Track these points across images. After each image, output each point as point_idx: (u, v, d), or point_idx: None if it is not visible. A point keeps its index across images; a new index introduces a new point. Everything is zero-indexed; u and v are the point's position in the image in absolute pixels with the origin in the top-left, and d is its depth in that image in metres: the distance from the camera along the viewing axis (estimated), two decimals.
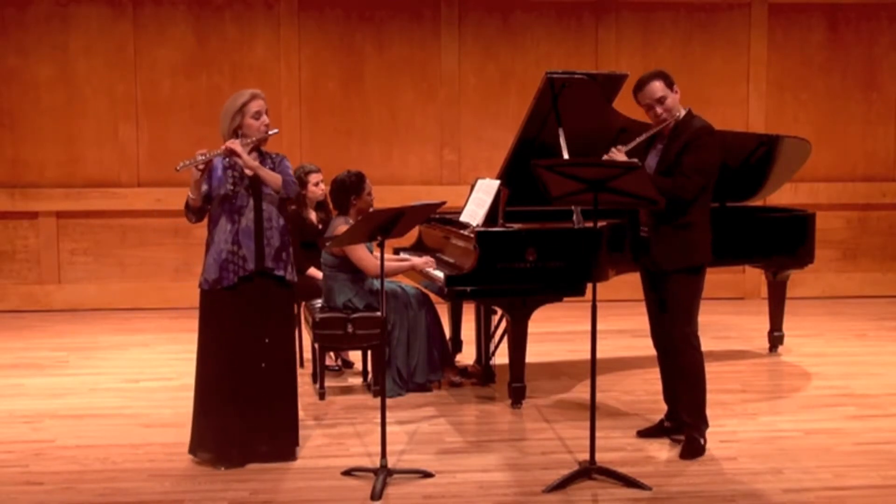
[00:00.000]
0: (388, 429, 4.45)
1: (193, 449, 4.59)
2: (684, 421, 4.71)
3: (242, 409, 4.51)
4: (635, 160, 4.38)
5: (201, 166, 4.43)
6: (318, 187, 6.27)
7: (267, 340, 4.54)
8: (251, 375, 4.52)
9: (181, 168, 4.43)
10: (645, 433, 4.93)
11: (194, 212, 4.58)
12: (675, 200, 4.48)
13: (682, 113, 4.62)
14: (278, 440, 4.60)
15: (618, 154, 4.59)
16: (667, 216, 4.54)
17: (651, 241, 4.66)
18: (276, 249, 4.53)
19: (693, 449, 4.63)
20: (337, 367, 6.26)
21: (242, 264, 4.49)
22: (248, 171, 4.48)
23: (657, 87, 4.58)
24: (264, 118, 4.55)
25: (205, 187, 4.52)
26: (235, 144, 4.44)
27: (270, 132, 4.57)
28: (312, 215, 6.27)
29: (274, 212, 4.55)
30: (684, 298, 4.61)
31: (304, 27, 8.58)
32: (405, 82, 8.71)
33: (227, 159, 4.52)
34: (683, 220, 4.55)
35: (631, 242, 4.94)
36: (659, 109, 4.58)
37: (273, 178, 4.48)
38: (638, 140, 4.67)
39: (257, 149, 4.58)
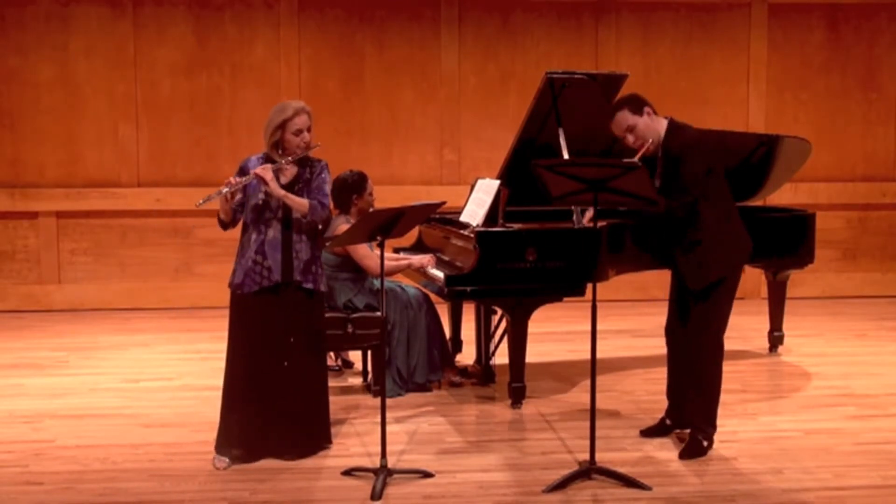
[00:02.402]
0: (388, 429, 4.45)
1: (220, 447, 4.59)
2: (692, 422, 4.71)
3: (267, 408, 4.54)
4: (635, 160, 4.37)
5: (228, 196, 4.44)
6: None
7: (292, 340, 4.56)
8: (275, 374, 4.54)
9: (202, 204, 4.44)
10: (648, 432, 4.93)
11: (225, 225, 4.61)
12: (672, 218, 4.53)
13: (663, 129, 4.58)
14: (305, 439, 4.62)
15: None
16: (677, 238, 4.58)
17: (677, 258, 4.66)
18: (304, 262, 4.55)
19: (694, 450, 4.63)
20: (337, 367, 6.26)
21: (267, 275, 4.51)
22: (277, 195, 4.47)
23: (624, 117, 4.58)
24: (305, 135, 4.53)
25: (239, 196, 4.54)
26: (266, 172, 4.43)
27: (311, 147, 4.56)
28: None
29: (304, 224, 4.56)
30: (716, 307, 4.62)
31: (304, 27, 8.58)
32: (405, 82, 8.71)
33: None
34: (693, 237, 4.55)
35: (655, 243, 4.90)
36: (631, 138, 4.59)
37: (300, 204, 4.48)
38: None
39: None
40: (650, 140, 4.57)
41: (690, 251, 4.57)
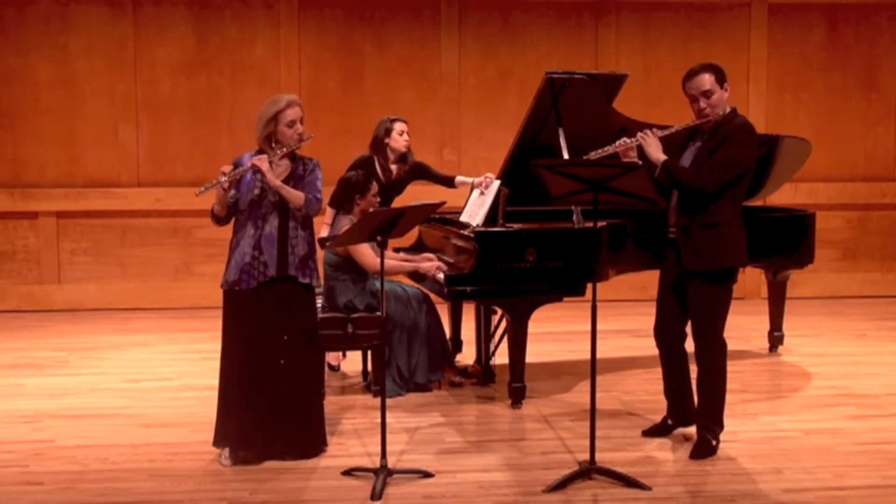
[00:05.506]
0: (388, 429, 4.45)
1: (217, 443, 4.61)
2: (699, 422, 4.70)
3: (263, 407, 4.53)
4: (635, 160, 4.37)
5: (226, 185, 4.42)
6: (402, 137, 6.21)
7: (286, 338, 4.55)
8: (271, 373, 4.53)
9: (202, 192, 4.43)
10: (649, 432, 4.93)
11: (219, 220, 4.59)
12: (696, 192, 4.41)
13: (727, 111, 4.52)
14: (301, 438, 4.61)
15: (651, 136, 4.47)
16: (692, 214, 4.48)
17: (679, 241, 4.57)
18: (300, 258, 4.55)
19: (704, 450, 4.62)
20: (337, 368, 6.26)
21: (263, 270, 4.50)
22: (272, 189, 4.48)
23: (705, 79, 4.48)
24: (298, 127, 4.53)
25: (233, 192, 4.52)
26: (262, 163, 4.43)
27: (304, 139, 4.55)
28: (394, 168, 6.21)
29: (300, 219, 4.55)
30: (714, 305, 4.55)
31: (304, 27, 8.58)
32: (405, 82, 8.71)
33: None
34: (709, 219, 4.46)
35: (657, 243, 4.88)
36: (703, 103, 4.48)
37: (295, 197, 4.48)
38: (675, 129, 4.56)
39: (291, 153, 4.58)
40: (719, 114, 4.48)
41: (708, 229, 4.45)
